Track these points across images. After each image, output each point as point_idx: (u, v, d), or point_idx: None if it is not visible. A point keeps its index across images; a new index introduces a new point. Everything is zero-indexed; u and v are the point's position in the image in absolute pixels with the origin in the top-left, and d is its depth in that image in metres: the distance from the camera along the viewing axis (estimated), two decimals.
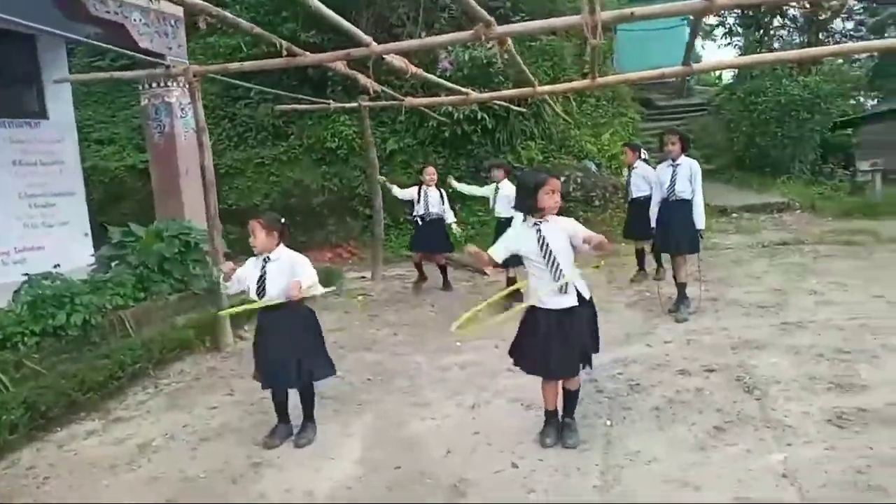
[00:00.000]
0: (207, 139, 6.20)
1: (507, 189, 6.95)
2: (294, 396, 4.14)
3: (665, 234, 6.16)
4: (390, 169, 11.41)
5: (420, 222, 8.09)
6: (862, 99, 22.38)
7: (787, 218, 11.11)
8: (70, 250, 8.52)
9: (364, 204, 12.13)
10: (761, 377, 4.38)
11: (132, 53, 7.53)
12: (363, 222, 12.26)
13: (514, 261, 3.77)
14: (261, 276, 3.96)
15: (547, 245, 3.54)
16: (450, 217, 8.15)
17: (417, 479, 3.46)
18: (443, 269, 8.26)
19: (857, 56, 19.49)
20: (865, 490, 2.98)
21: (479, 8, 5.14)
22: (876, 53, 18.33)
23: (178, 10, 8.50)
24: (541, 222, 3.57)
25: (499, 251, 3.68)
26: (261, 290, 3.97)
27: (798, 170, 13.82)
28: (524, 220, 3.66)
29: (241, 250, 6.98)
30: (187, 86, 6.98)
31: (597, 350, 3.74)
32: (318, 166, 12.69)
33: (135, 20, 7.82)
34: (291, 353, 3.93)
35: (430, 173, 8.11)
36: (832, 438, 3.48)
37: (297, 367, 3.93)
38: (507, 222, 6.57)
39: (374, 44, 5.76)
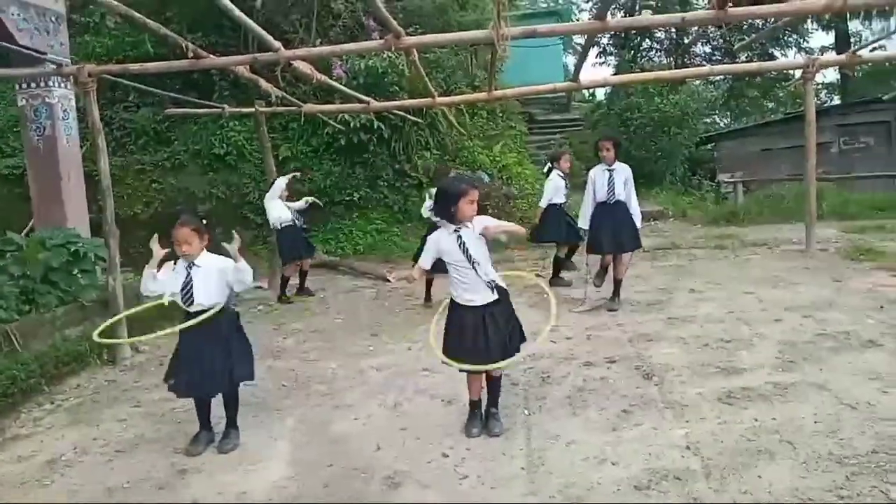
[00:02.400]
0: (104, 142, 5.92)
1: None
2: (215, 403, 4.08)
3: (611, 234, 6.42)
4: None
5: (290, 227, 8.14)
6: (717, 118, 24.60)
7: (663, 225, 12.07)
8: None
9: (255, 212, 11.90)
10: (657, 365, 4.80)
11: (6, 51, 7.06)
12: (254, 231, 12.03)
13: (439, 265, 3.93)
14: (187, 284, 3.86)
15: (467, 250, 3.74)
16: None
17: (352, 475, 3.53)
18: (303, 275, 8.47)
19: (714, 78, 21.37)
20: (756, 454, 3.39)
21: (390, 18, 5.33)
22: (731, 76, 20.26)
23: (60, 6, 8.08)
24: (460, 228, 3.77)
25: (426, 260, 3.91)
26: (188, 299, 3.87)
27: (669, 181, 15.02)
28: (444, 228, 3.84)
29: (122, 261, 6.70)
30: (76, 86, 6.67)
31: (522, 339, 3.98)
32: (204, 173, 12.34)
33: (13, 14, 7.33)
34: (221, 358, 3.87)
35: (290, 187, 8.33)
36: (724, 414, 3.90)
37: (226, 372, 3.88)
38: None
39: (283, 49, 5.81)
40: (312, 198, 8.84)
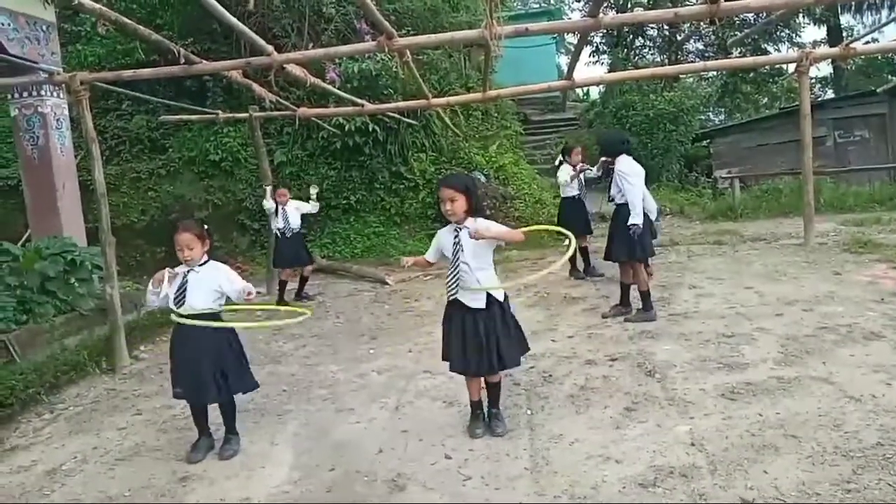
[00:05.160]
0: (98, 151, 5.88)
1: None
2: (213, 410, 4.04)
3: (607, 241, 6.18)
4: (279, 181, 11.22)
5: (280, 237, 8.18)
6: (712, 115, 24.62)
7: (660, 222, 12.03)
8: None
9: (252, 218, 11.89)
10: (660, 362, 4.78)
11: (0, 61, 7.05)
12: (251, 237, 12.02)
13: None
14: (181, 286, 3.83)
15: (460, 249, 3.69)
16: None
17: (355, 478, 3.50)
18: (303, 281, 8.50)
19: (708, 74, 21.41)
20: (760, 449, 3.37)
21: (382, 20, 5.31)
22: (725, 72, 20.28)
23: (50, 15, 8.05)
24: (461, 228, 3.72)
25: (431, 253, 3.89)
26: (180, 301, 3.84)
27: (666, 178, 15.01)
28: (450, 223, 3.80)
29: (119, 270, 6.65)
30: (68, 95, 6.64)
31: (524, 350, 3.92)
32: (200, 180, 12.33)
33: (2, 24, 7.32)
34: (211, 366, 3.83)
35: (282, 195, 8.22)
36: (727, 409, 3.88)
37: (217, 380, 3.84)
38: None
39: (276, 53, 5.78)
40: (315, 189, 8.68)
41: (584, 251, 8.04)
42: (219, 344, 3.89)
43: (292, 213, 8.16)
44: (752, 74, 21.50)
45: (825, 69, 24.69)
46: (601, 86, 17.10)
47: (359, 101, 8.75)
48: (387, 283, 8.94)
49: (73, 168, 8.34)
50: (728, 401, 4.00)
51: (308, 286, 8.61)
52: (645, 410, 4.00)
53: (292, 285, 8.45)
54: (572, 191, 7.85)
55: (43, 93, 7.84)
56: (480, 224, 3.66)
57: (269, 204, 8.18)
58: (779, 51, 21.28)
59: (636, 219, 5.74)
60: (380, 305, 7.80)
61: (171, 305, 3.86)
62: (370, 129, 11.15)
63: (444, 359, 3.93)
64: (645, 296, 5.92)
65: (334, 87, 9.01)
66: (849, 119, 15.32)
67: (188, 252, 3.78)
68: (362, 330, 6.68)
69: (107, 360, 5.94)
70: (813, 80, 22.35)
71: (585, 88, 21.66)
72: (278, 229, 8.13)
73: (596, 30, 5.87)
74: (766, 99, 24.90)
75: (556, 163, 8.24)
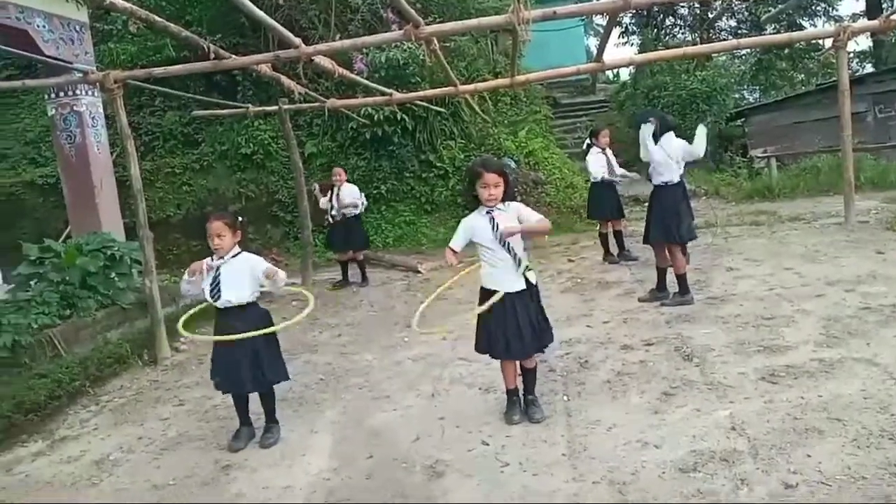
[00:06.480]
0: (133, 147, 5.98)
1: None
2: (254, 400, 4.11)
3: (646, 224, 6.12)
4: (310, 173, 11.31)
5: (333, 221, 8.37)
6: (746, 93, 24.02)
7: (695, 204, 11.83)
8: None
9: (284, 210, 12.00)
10: (697, 346, 4.72)
11: (37, 62, 7.20)
12: (284, 228, 12.12)
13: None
14: (215, 279, 3.89)
15: (499, 231, 3.68)
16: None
17: (393, 465, 3.53)
18: (361, 266, 8.62)
19: (741, 52, 20.89)
20: (803, 432, 3.31)
21: (409, 8, 5.27)
22: (759, 49, 19.79)
23: (83, 16, 8.19)
24: (492, 210, 3.71)
25: (458, 241, 3.83)
26: (215, 293, 3.90)
27: (700, 159, 14.71)
28: (478, 209, 3.79)
29: (157, 263, 6.76)
30: (103, 93, 6.75)
31: (550, 336, 3.90)
32: (232, 173, 12.45)
33: (38, 26, 7.47)
34: (248, 358, 3.88)
35: (338, 174, 8.38)
36: (768, 393, 3.82)
37: (256, 370, 3.90)
38: None
39: (303, 45, 5.79)
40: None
41: (617, 234, 8.01)
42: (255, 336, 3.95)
43: (344, 195, 8.28)
44: (787, 51, 20.90)
45: (864, 42, 23.91)
46: (632, 67, 16.77)
47: (387, 90, 8.75)
48: (419, 272, 8.96)
49: (110, 165, 8.51)
50: (769, 384, 3.94)
51: (336, 275, 8.74)
52: (683, 395, 3.95)
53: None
54: (603, 175, 7.78)
55: (78, 92, 7.99)
56: (523, 211, 3.74)
57: (323, 203, 8.37)
58: (814, 25, 20.67)
59: (696, 149, 5.92)
60: (412, 294, 7.82)
61: (208, 299, 3.92)
62: (399, 119, 11.14)
63: (479, 350, 3.92)
64: (682, 279, 5.83)
65: (362, 77, 9.03)
66: (890, 93, 14.80)
67: (218, 241, 3.84)
68: (396, 318, 6.71)
69: (148, 353, 6.07)
70: (851, 55, 21.67)
71: (616, 70, 21.32)
72: (330, 214, 8.35)
73: (625, 10, 5.78)
74: (802, 75, 24.18)
75: (585, 146, 8.21)
